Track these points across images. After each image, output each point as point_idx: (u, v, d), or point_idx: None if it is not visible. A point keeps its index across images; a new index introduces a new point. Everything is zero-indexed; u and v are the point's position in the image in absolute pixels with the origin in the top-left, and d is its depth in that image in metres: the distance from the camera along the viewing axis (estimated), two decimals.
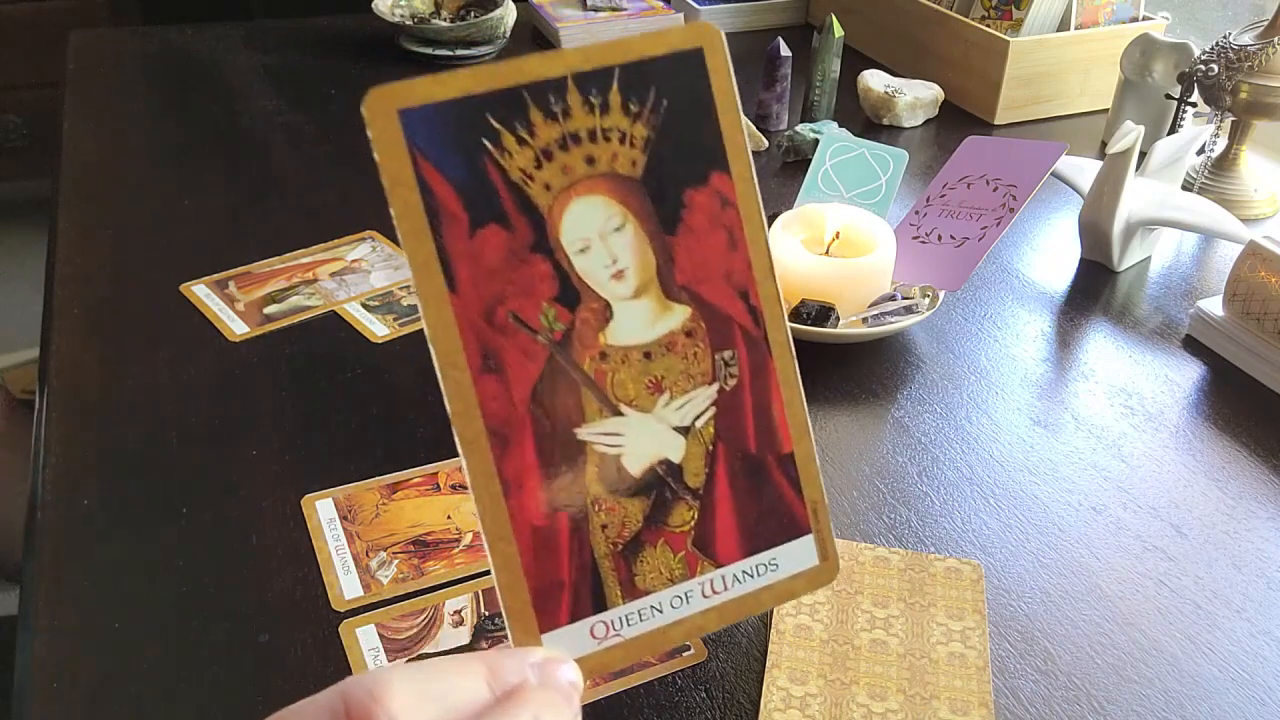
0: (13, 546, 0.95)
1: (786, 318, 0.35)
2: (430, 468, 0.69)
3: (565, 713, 0.28)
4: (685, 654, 0.57)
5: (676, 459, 0.34)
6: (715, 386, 0.34)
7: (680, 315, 0.34)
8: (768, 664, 0.54)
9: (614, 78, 0.32)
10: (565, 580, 0.32)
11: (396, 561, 0.62)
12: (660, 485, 0.34)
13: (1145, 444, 0.74)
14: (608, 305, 0.33)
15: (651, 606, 0.33)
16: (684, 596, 0.34)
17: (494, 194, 0.31)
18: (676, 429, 0.34)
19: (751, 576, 0.34)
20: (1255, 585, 0.63)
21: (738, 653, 0.58)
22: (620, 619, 0.33)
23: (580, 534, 0.33)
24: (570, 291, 0.32)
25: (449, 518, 0.65)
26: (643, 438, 0.33)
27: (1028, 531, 0.67)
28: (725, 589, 0.34)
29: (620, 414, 0.33)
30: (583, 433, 0.33)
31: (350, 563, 0.62)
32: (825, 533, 0.35)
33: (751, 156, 0.34)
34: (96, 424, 0.73)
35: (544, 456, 0.32)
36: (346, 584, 0.61)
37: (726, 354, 0.34)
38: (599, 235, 0.32)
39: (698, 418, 0.34)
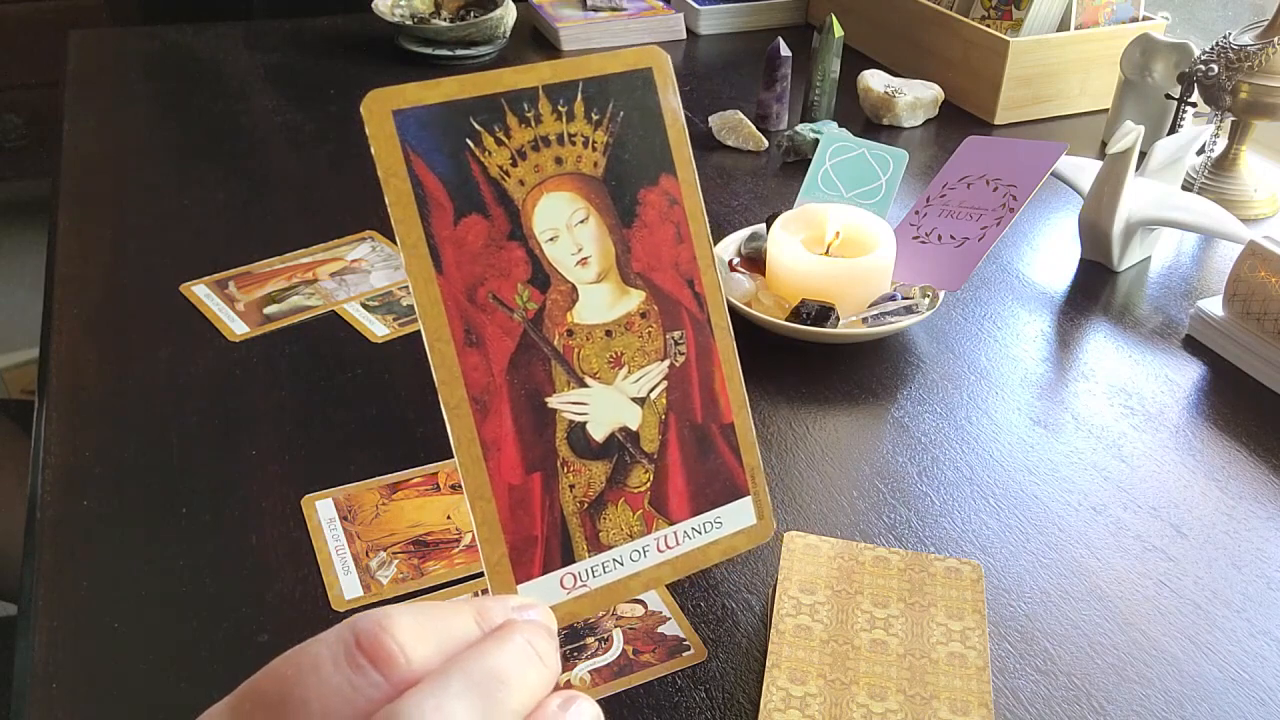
0: (10, 568, 0.95)
1: (726, 305, 0.40)
2: (430, 468, 0.69)
3: (551, 643, 0.31)
4: (685, 654, 0.57)
5: (634, 426, 0.38)
6: (667, 363, 0.38)
7: (636, 299, 0.38)
8: (768, 664, 0.54)
9: (578, 90, 0.37)
10: (538, 535, 0.36)
11: (396, 561, 0.62)
12: (620, 450, 0.38)
13: (1145, 444, 0.74)
14: (574, 288, 0.37)
15: (614, 559, 0.37)
16: (642, 551, 0.38)
17: (475, 187, 0.35)
18: (634, 399, 0.38)
19: (700, 533, 0.39)
20: (1255, 585, 0.63)
21: (738, 653, 0.58)
22: (587, 571, 0.37)
23: (551, 493, 0.36)
24: (542, 275, 0.36)
25: (449, 518, 0.65)
26: (605, 407, 0.37)
27: (1028, 531, 0.67)
28: (677, 544, 0.38)
29: (585, 385, 0.37)
30: (553, 401, 0.37)
31: (350, 563, 0.62)
32: (762, 495, 0.40)
33: (694, 163, 0.39)
34: (96, 424, 0.73)
35: (518, 422, 0.36)
36: (346, 584, 0.61)
37: (676, 334, 0.39)
38: (566, 226, 0.37)
39: (652, 390, 0.38)
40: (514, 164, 0.36)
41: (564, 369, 0.37)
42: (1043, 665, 0.58)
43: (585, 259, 0.37)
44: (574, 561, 0.36)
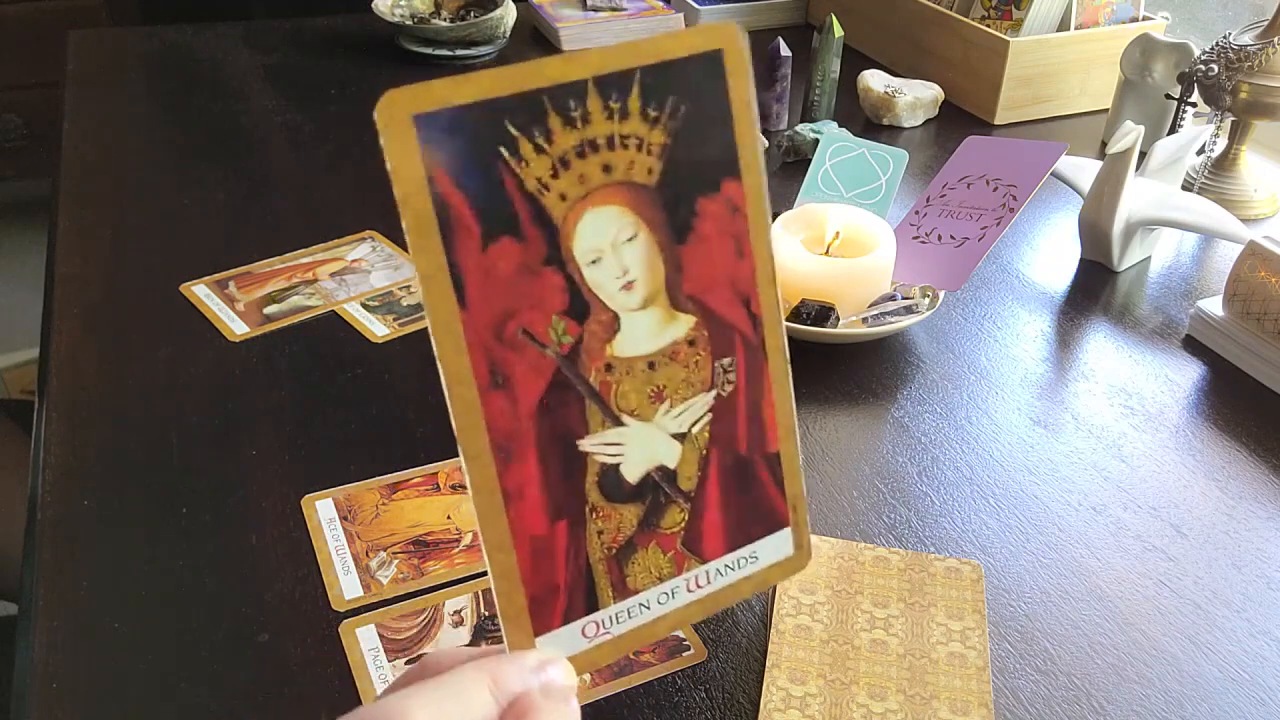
0: (10, 568, 0.95)
1: (784, 323, 0.35)
2: (430, 468, 0.69)
3: (569, 717, 0.29)
4: (685, 654, 0.57)
5: (672, 465, 0.34)
6: (713, 393, 0.34)
7: (685, 325, 0.34)
8: (768, 664, 0.54)
9: (635, 81, 0.31)
10: (561, 585, 0.33)
11: (396, 561, 0.62)
12: (655, 490, 0.34)
13: (1145, 444, 0.74)
14: (616, 317, 0.33)
15: (640, 604, 0.34)
16: (670, 593, 0.34)
17: (509, 205, 0.30)
18: (674, 435, 0.34)
19: (733, 569, 0.35)
20: (1255, 585, 0.63)
21: (738, 653, 0.58)
22: (610, 618, 0.34)
23: (577, 541, 0.33)
24: (580, 304, 0.32)
25: (449, 518, 0.65)
26: (642, 446, 0.34)
27: (1028, 531, 0.67)
28: (709, 583, 0.35)
29: (622, 424, 0.33)
30: (585, 444, 0.33)
31: (350, 563, 0.62)
32: (802, 525, 0.37)
33: (764, 163, 0.34)
34: (96, 424, 0.73)
35: (545, 468, 0.32)
36: (346, 584, 0.61)
37: (726, 361, 0.34)
38: (611, 246, 0.32)
39: (695, 424, 0.34)
40: (555, 175, 0.31)
41: (599, 408, 0.33)
42: (1043, 665, 0.58)
43: (631, 282, 0.32)
44: (597, 609, 0.33)
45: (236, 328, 0.82)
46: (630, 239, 0.32)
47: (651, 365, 0.33)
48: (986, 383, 0.80)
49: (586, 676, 0.56)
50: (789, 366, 0.35)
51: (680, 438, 0.34)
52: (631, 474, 0.34)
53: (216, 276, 0.89)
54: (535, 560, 0.32)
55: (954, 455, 0.73)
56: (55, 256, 0.91)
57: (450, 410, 0.30)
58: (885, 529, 0.66)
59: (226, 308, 0.85)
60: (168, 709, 0.54)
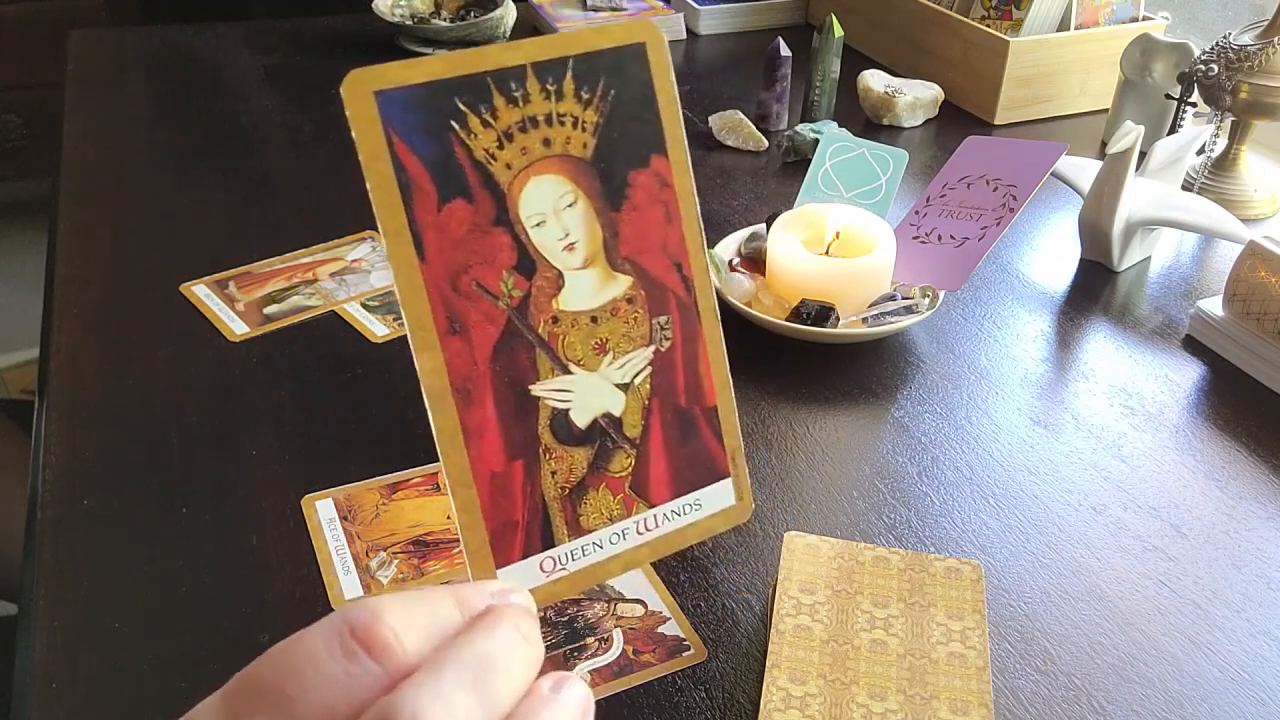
0: (10, 568, 0.95)
1: (714, 287, 0.39)
2: (430, 468, 0.69)
3: (535, 625, 0.31)
4: (685, 654, 0.57)
5: (617, 412, 0.38)
6: (652, 348, 0.38)
7: (623, 284, 0.37)
8: (768, 664, 0.54)
9: (568, 67, 0.36)
10: (519, 520, 0.36)
11: (396, 562, 0.62)
12: (603, 436, 0.37)
13: (1145, 444, 0.74)
14: (560, 274, 0.36)
15: (593, 543, 0.37)
16: (621, 534, 0.38)
17: (460, 171, 0.34)
18: (618, 385, 0.38)
19: (679, 515, 0.39)
20: (1255, 585, 0.63)
21: (738, 653, 0.58)
22: (566, 554, 0.37)
23: (533, 479, 0.36)
24: (527, 261, 0.36)
25: (449, 518, 0.65)
26: (588, 393, 0.37)
27: (1028, 531, 0.67)
28: (657, 526, 0.38)
29: (569, 372, 0.37)
30: (536, 389, 0.36)
31: (350, 563, 0.62)
32: (742, 477, 0.40)
33: (687, 143, 0.38)
34: (96, 424, 0.73)
35: (501, 410, 0.35)
36: (346, 584, 0.61)
37: (662, 319, 0.38)
38: (553, 211, 0.36)
39: (636, 375, 0.38)
40: (500, 147, 0.35)
41: (548, 356, 0.36)
42: (1043, 665, 0.58)
43: (572, 244, 0.36)
44: (554, 545, 0.36)
45: (236, 328, 0.82)
46: (570, 205, 0.36)
47: (594, 320, 0.37)
48: (986, 383, 0.80)
49: (586, 675, 0.56)
50: (720, 328, 0.39)
51: (624, 388, 0.38)
52: (580, 419, 0.37)
53: (216, 276, 0.89)
54: (494, 496, 0.35)
55: (954, 455, 0.73)
56: (55, 256, 0.91)
57: (413, 353, 0.34)
58: (885, 529, 0.66)
59: (226, 308, 0.85)
60: (167, 709, 0.54)
